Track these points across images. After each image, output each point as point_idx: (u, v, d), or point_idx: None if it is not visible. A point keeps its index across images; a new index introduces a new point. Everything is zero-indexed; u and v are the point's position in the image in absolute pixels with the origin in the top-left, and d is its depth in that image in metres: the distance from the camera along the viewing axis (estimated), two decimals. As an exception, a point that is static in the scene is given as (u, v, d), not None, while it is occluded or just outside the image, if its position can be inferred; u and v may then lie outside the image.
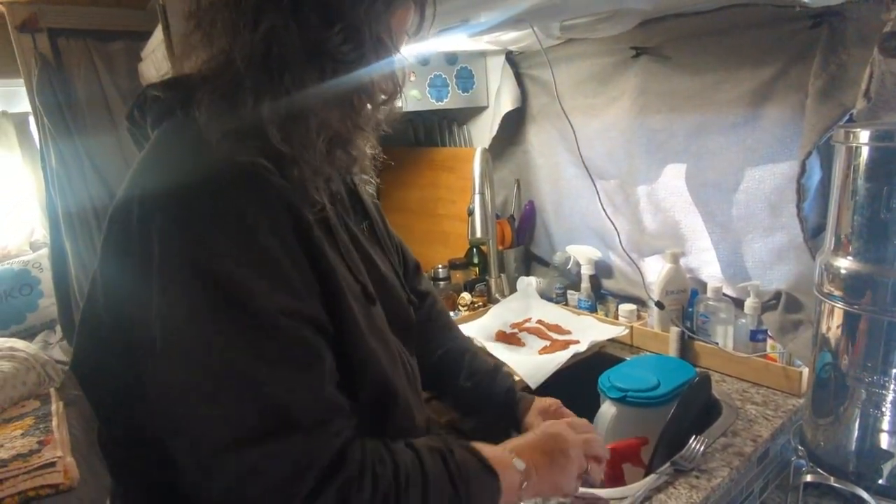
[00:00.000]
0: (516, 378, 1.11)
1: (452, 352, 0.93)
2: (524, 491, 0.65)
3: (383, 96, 0.63)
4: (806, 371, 1.03)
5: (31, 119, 2.63)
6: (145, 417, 0.56)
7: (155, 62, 1.98)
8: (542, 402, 0.89)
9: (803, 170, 0.97)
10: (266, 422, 0.50)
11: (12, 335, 2.46)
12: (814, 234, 1.02)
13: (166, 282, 0.51)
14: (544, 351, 1.25)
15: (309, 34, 0.55)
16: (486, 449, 0.65)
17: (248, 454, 0.49)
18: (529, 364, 1.16)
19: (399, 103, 0.67)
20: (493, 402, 0.90)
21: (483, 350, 1.26)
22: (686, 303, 1.23)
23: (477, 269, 1.67)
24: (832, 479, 0.85)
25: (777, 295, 1.13)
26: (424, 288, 0.95)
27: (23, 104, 2.69)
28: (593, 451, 0.73)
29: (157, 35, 1.78)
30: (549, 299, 1.53)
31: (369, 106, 0.63)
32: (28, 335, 2.55)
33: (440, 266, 1.67)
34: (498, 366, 0.94)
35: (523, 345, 1.31)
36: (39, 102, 2.30)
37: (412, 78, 1.52)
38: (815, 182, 1.01)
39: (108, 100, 2.52)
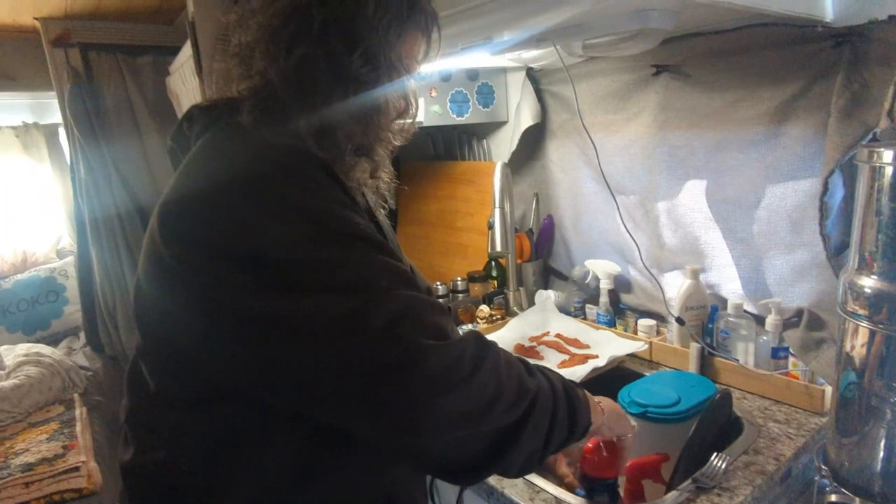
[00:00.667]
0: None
1: None
2: (600, 415, 0.77)
3: (397, 112, 0.73)
4: (829, 389, 1.02)
5: (61, 130, 2.71)
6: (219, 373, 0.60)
7: (182, 76, 2.04)
8: None
9: (825, 188, 0.98)
10: (385, 287, 0.57)
11: (38, 341, 2.53)
12: (837, 252, 1.02)
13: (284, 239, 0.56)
14: (563, 365, 1.26)
15: (334, 59, 0.65)
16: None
17: (391, 299, 0.56)
18: (548, 378, 1.17)
19: (411, 119, 0.76)
20: None
21: None
22: (706, 319, 1.23)
23: (495, 281, 1.68)
24: (857, 499, 0.84)
25: (799, 312, 1.12)
26: None
27: (53, 116, 2.78)
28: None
29: (186, 51, 1.83)
30: (568, 313, 1.53)
31: (386, 119, 0.72)
32: (53, 341, 2.62)
33: (459, 278, 1.68)
34: None
35: (542, 358, 1.32)
36: (70, 114, 2.38)
37: (433, 94, 1.55)
38: (838, 200, 1.01)
39: (135, 110, 2.60)
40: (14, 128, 2.80)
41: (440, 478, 0.66)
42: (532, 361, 1.29)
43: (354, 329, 0.54)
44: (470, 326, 1.56)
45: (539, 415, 0.63)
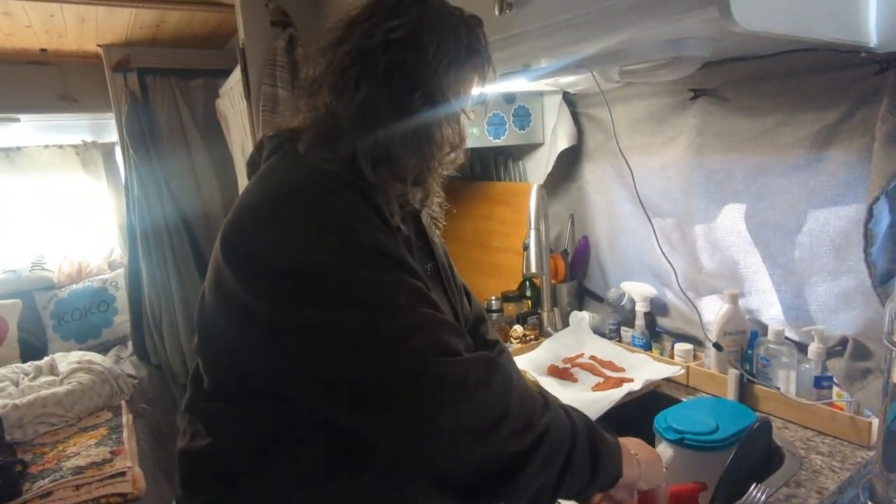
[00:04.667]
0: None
1: None
2: (636, 468, 0.78)
3: (451, 146, 0.78)
4: (876, 422, 0.99)
5: (117, 148, 2.87)
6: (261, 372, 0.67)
7: (231, 99, 2.14)
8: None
9: (871, 215, 0.96)
10: (402, 304, 0.63)
11: (89, 349, 2.65)
12: (883, 281, 0.99)
13: (309, 239, 0.63)
14: (598, 388, 1.25)
15: (396, 99, 0.71)
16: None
17: (406, 315, 0.62)
18: (583, 400, 1.17)
19: (462, 150, 0.81)
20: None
21: (536, 384, 1.27)
22: (745, 345, 1.21)
23: (530, 301, 1.68)
24: (905, 538, 0.81)
25: (843, 341, 1.09)
26: (492, 337, 1.02)
27: (110, 135, 2.94)
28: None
29: (235, 75, 1.93)
30: (602, 335, 1.52)
31: (439, 153, 0.76)
32: (102, 349, 2.74)
33: (493, 298, 1.69)
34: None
35: (576, 380, 1.32)
36: (127, 133, 2.52)
37: (472, 116, 1.58)
38: (884, 227, 0.99)
39: (185, 130, 2.73)
40: (75, 146, 2.98)
41: (449, 497, 0.70)
42: (565, 383, 1.28)
43: (369, 342, 0.61)
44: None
45: (551, 448, 0.66)
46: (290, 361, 0.63)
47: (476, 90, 0.79)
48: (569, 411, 0.73)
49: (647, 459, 0.81)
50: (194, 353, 0.75)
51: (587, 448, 0.70)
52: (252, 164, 0.81)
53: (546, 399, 0.71)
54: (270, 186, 0.70)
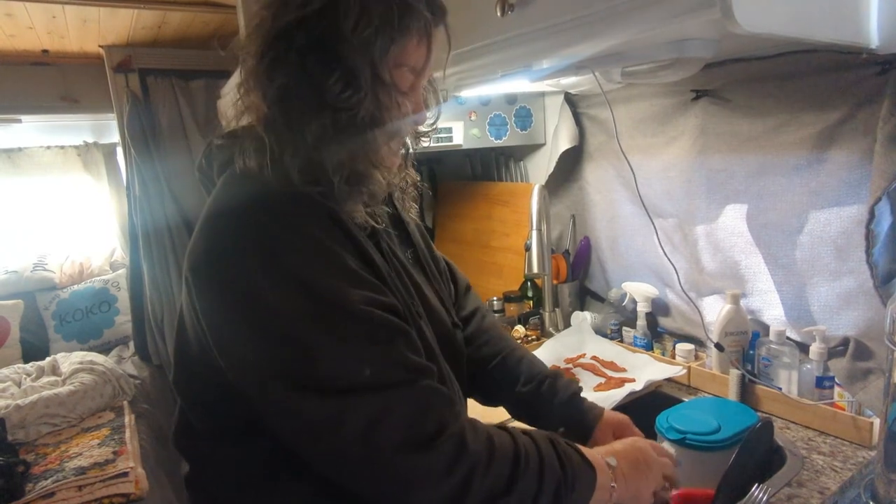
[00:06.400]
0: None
1: (509, 358, 0.94)
2: (612, 491, 0.69)
3: (389, 134, 0.68)
4: (878, 422, 0.99)
5: (118, 149, 2.87)
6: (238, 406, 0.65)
7: (232, 100, 2.14)
8: (612, 415, 0.90)
9: (872, 215, 0.96)
10: (377, 380, 0.59)
11: (90, 349, 2.65)
12: (884, 281, 0.99)
13: (264, 290, 0.58)
14: (599, 388, 1.25)
15: (313, 86, 0.61)
16: (582, 447, 0.71)
17: (367, 404, 0.58)
18: (584, 401, 1.17)
19: (422, 118, 0.73)
20: (556, 407, 0.89)
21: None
22: (747, 345, 1.21)
23: (531, 302, 1.69)
24: (907, 538, 0.81)
25: (845, 341, 1.09)
26: (473, 305, 0.99)
27: (111, 136, 2.94)
28: (669, 471, 0.78)
29: (236, 76, 1.93)
30: (604, 335, 1.53)
31: (375, 143, 0.67)
32: (104, 350, 2.74)
33: (495, 298, 1.70)
34: (558, 372, 0.95)
35: (578, 380, 1.31)
36: (128, 134, 2.52)
37: (472, 117, 1.59)
38: (886, 228, 0.99)
39: (187, 130, 2.73)
40: (76, 147, 2.98)
41: None
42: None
43: (332, 436, 0.58)
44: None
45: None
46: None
47: (421, 56, 0.67)
48: (539, 453, 0.65)
49: (631, 465, 0.73)
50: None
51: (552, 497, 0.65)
52: (204, 175, 0.75)
53: (518, 458, 0.63)
54: (226, 221, 0.63)
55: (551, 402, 0.89)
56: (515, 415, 0.95)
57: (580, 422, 0.89)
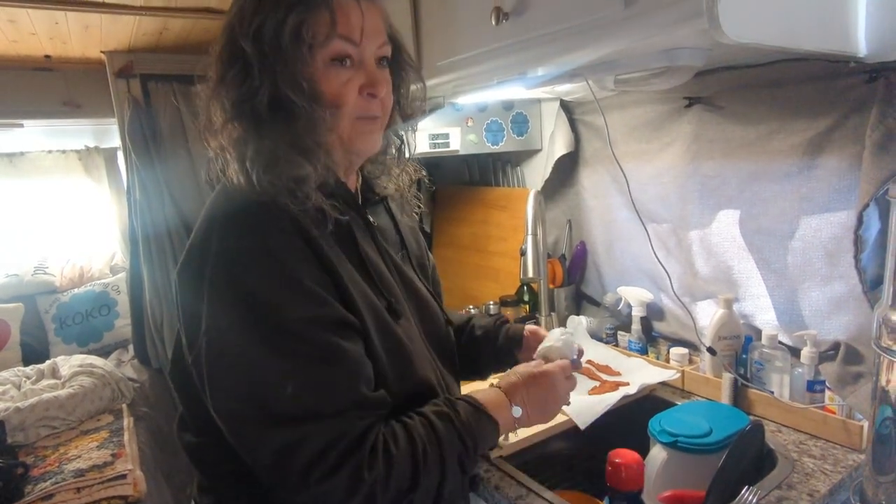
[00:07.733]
0: (564, 418, 1.13)
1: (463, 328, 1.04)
2: (519, 422, 0.78)
3: (327, 100, 0.68)
4: (867, 425, 1.00)
5: (119, 153, 2.89)
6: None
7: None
8: (525, 332, 0.99)
9: (860, 221, 0.97)
10: (295, 410, 0.62)
11: (90, 352, 2.66)
12: (873, 286, 1.01)
13: (213, 299, 0.64)
14: (594, 391, 1.26)
15: (227, 88, 0.68)
16: (482, 394, 0.77)
17: (281, 434, 0.61)
18: (578, 404, 1.18)
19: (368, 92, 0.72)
20: (493, 355, 1.00)
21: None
22: (739, 349, 1.22)
23: (527, 306, 1.70)
24: (895, 540, 0.82)
25: (835, 345, 1.11)
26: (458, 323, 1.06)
27: (112, 140, 2.96)
28: (568, 370, 0.84)
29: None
30: (599, 339, 1.54)
31: (304, 123, 0.67)
32: (104, 353, 2.74)
33: (491, 302, 1.71)
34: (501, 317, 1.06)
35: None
36: (129, 138, 2.53)
37: (470, 123, 1.60)
38: (874, 234, 1.00)
39: (187, 134, 2.74)
40: (77, 151, 3.00)
41: None
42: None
43: (254, 452, 0.64)
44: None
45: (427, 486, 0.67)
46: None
47: (326, 23, 0.67)
48: (437, 438, 0.69)
49: (534, 396, 0.79)
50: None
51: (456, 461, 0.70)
52: (211, 188, 0.79)
53: (415, 455, 0.67)
54: (194, 238, 0.69)
55: (495, 338, 1.00)
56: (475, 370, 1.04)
57: (510, 353, 0.99)
